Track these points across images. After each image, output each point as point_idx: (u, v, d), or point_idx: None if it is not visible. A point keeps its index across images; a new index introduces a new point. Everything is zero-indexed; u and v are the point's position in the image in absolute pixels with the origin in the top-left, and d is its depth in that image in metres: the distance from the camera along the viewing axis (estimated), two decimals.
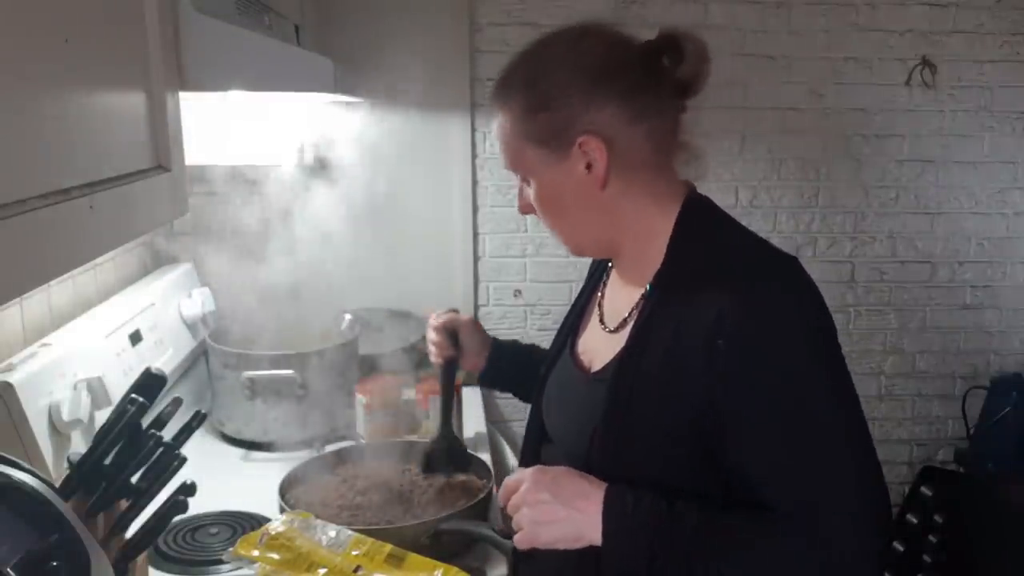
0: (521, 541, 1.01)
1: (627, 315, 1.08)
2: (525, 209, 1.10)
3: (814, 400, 0.95)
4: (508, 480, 1.06)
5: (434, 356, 1.44)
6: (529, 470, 1.04)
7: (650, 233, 1.05)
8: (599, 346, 1.12)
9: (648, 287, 1.05)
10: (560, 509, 0.99)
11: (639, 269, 1.07)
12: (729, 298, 0.94)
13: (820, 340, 0.98)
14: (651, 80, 1.01)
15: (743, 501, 0.96)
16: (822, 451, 0.95)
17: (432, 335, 1.42)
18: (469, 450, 1.53)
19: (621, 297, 1.11)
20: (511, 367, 1.42)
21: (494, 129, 1.08)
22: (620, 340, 1.05)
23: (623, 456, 1.01)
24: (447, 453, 1.45)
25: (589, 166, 1.01)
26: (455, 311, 1.45)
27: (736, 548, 0.96)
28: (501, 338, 1.46)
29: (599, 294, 1.18)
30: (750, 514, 0.96)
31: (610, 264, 1.17)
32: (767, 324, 0.94)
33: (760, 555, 0.96)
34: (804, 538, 0.94)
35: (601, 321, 1.15)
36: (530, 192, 1.07)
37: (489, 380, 1.46)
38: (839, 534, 0.93)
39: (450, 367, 1.42)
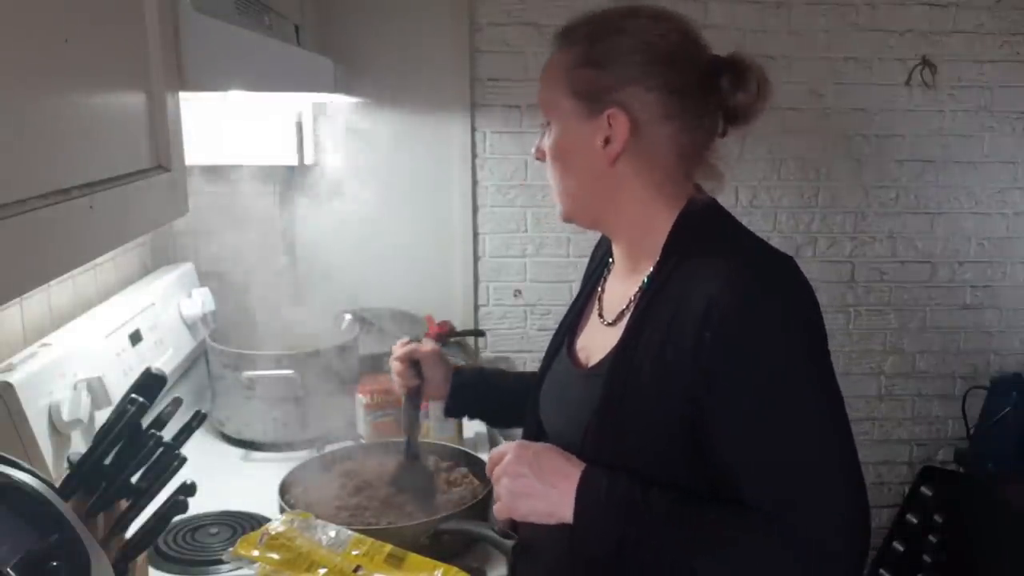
0: (499, 511, 1.06)
1: (624, 307, 1.08)
2: (539, 154, 1.11)
3: (799, 400, 0.95)
4: (494, 451, 1.09)
5: (398, 386, 1.43)
6: (514, 443, 1.07)
7: (648, 225, 1.06)
8: (597, 341, 1.12)
9: (645, 280, 1.06)
10: (536, 484, 1.01)
11: (637, 261, 1.09)
12: (719, 292, 0.94)
13: (807, 340, 0.97)
14: (703, 91, 1.03)
15: (730, 498, 0.96)
16: (806, 450, 0.94)
17: (395, 365, 1.41)
18: (470, 450, 1.53)
19: (620, 290, 1.12)
20: (474, 394, 1.41)
21: (543, 68, 1.09)
22: (617, 333, 1.06)
23: (616, 451, 1.01)
24: (413, 479, 1.44)
25: (607, 140, 1.02)
26: (418, 340, 1.44)
27: (715, 543, 0.96)
28: (476, 364, 1.44)
29: (599, 289, 1.19)
30: (734, 509, 0.96)
31: (611, 260, 1.18)
32: (753, 320, 0.94)
33: (741, 551, 0.96)
34: (787, 537, 0.93)
35: (600, 315, 1.15)
36: (548, 140, 1.09)
37: (453, 410, 1.44)
38: (824, 533, 0.93)
39: (414, 397, 1.42)
